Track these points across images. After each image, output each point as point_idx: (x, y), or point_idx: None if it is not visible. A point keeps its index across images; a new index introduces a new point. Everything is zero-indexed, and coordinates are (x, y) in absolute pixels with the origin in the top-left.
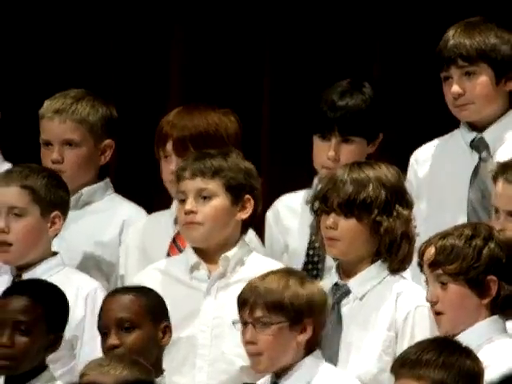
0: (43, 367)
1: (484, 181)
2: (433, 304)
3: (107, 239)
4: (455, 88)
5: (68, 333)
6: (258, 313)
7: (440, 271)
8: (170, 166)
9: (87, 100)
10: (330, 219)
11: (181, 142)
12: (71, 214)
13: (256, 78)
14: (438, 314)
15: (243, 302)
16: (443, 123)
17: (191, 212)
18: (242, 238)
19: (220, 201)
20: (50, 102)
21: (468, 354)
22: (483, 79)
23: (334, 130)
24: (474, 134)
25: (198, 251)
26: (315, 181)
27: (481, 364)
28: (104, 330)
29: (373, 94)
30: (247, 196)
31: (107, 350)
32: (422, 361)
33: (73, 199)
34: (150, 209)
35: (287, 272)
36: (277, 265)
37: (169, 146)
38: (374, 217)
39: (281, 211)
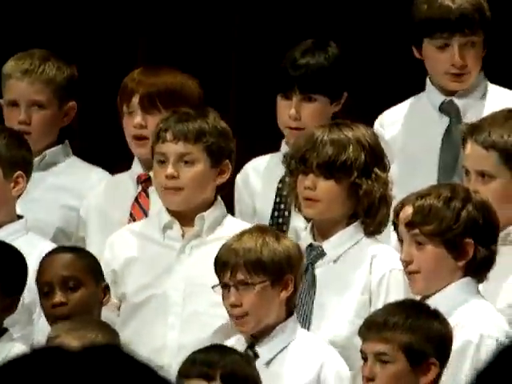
0: (2, 330)
1: (456, 143)
2: (407, 263)
3: (72, 203)
4: (457, 57)
5: (27, 297)
6: (240, 275)
7: (417, 231)
8: (134, 119)
9: (53, 61)
10: (309, 180)
11: (148, 97)
12: (35, 175)
13: (224, 46)
14: (411, 273)
15: (223, 265)
16: (407, 85)
17: (172, 177)
18: (218, 200)
19: (201, 166)
20: (15, 61)
21: (436, 316)
22: (480, 49)
23: (294, 88)
24: (442, 98)
25: (172, 211)
26: (283, 143)
27: (449, 326)
28: (46, 288)
29: (337, 53)
30: (226, 161)
31: (52, 307)
32: (389, 323)
33: (36, 160)
34: (111, 170)
35: (261, 230)
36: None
37: (134, 101)
38: (353, 179)
39: (249, 175)
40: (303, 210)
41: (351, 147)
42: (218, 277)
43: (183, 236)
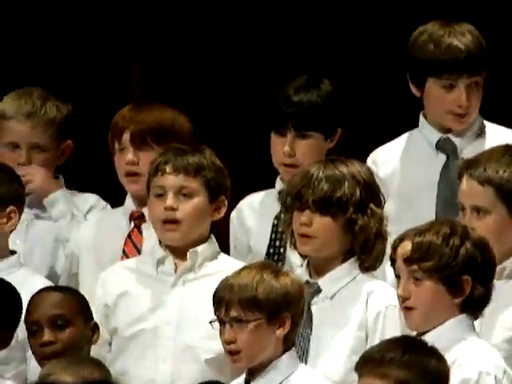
0: None
1: (453, 180)
2: (404, 299)
3: (76, 238)
4: (464, 98)
5: (21, 334)
6: (234, 312)
7: (415, 267)
8: (126, 156)
9: (52, 101)
10: (305, 216)
11: (139, 134)
12: (32, 212)
13: (217, 82)
14: (408, 309)
15: (219, 301)
16: (400, 121)
17: (172, 209)
18: (212, 236)
19: (199, 200)
20: (14, 101)
21: (433, 353)
22: (481, 89)
23: (288, 126)
24: (439, 135)
25: (166, 246)
26: (278, 180)
27: (446, 363)
28: (34, 326)
29: (331, 90)
30: (223, 197)
31: (41, 346)
32: (386, 359)
33: (33, 197)
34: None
35: (261, 266)
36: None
37: (125, 138)
38: (349, 215)
39: (244, 211)
40: (299, 247)
41: (346, 183)
42: (215, 312)
43: (176, 270)
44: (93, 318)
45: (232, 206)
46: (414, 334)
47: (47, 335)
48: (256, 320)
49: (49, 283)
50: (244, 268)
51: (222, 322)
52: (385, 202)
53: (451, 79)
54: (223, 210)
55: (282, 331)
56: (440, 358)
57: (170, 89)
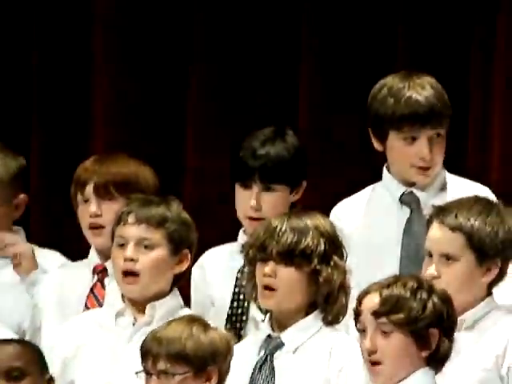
0: None
1: (417, 235)
2: (370, 353)
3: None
4: (426, 151)
5: None
6: (161, 365)
7: (384, 320)
8: (89, 208)
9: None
10: (269, 267)
11: (103, 185)
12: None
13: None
14: (374, 364)
15: (145, 353)
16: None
17: (131, 260)
18: (174, 291)
19: (160, 252)
20: None
21: None
22: (444, 141)
23: (255, 179)
24: (403, 188)
25: (127, 298)
26: (240, 233)
27: None
28: None
29: (296, 142)
30: (186, 250)
31: None
32: None
33: None
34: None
35: (190, 320)
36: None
37: (88, 190)
38: (313, 266)
39: (206, 266)
40: (261, 301)
41: (311, 234)
42: (141, 363)
43: (134, 324)
44: (48, 371)
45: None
46: None
47: None
48: (183, 373)
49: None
50: (172, 321)
51: (148, 374)
52: (347, 256)
53: (412, 132)
54: (186, 264)
55: None
56: None
57: (133, 139)
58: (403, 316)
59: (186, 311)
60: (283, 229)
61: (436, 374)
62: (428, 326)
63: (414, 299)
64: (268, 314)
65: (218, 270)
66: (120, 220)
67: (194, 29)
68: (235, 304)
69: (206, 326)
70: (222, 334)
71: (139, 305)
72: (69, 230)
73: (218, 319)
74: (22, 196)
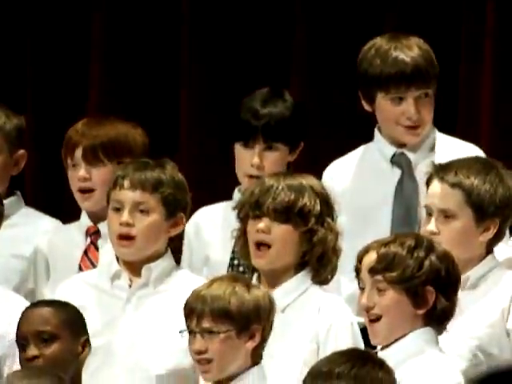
0: None
1: (408, 196)
2: (368, 309)
3: (27, 253)
4: (413, 110)
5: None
6: (205, 323)
7: (379, 277)
8: (78, 172)
9: (1, 109)
10: (263, 223)
11: (91, 150)
12: None
13: (172, 90)
14: (372, 321)
15: (189, 311)
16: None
17: (127, 224)
18: (168, 251)
19: (156, 216)
20: None
21: (381, 365)
22: (432, 101)
23: (258, 138)
24: (393, 149)
25: (122, 260)
26: (236, 192)
27: (393, 376)
28: (22, 341)
29: (294, 102)
30: (181, 213)
31: (26, 360)
32: (334, 373)
33: None
34: (64, 220)
35: (233, 278)
36: (203, 280)
37: (78, 154)
38: (310, 225)
39: (201, 224)
40: (253, 259)
41: (307, 194)
42: (186, 322)
43: (130, 286)
44: (85, 333)
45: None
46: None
47: (31, 350)
48: (227, 331)
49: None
50: (215, 280)
51: (192, 333)
52: (336, 217)
53: (399, 92)
54: (181, 226)
55: (252, 344)
56: (388, 370)
57: (127, 99)
58: (396, 274)
59: (181, 271)
60: (280, 187)
61: (439, 333)
62: (424, 283)
63: (410, 257)
64: (256, 274)
65: (213, 228)
66: (116, 184)
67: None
68: (236, 262)
69: (248, 284)
70: (264, 292)
71: (134, 267)
72: (64, 191)
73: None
74: (21, 151)
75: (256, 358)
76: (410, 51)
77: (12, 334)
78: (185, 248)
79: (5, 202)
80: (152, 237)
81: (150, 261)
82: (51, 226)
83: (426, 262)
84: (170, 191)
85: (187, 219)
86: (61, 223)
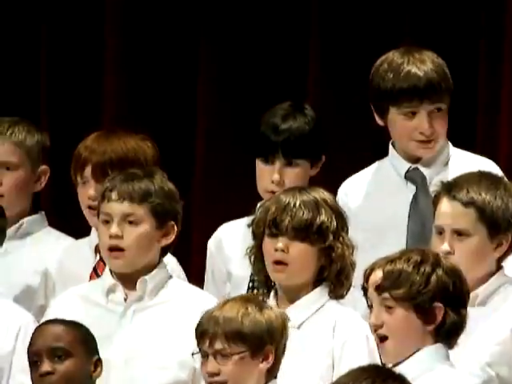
0: None
1: (423, 211)
2: (376, 328)
3: (47, 270)
4: (426, 125)
5: None
6: (218, 345)
7: (387, 295)
8: (88, 191)
9: (23, 124)
10: (282, 242)
11: (100, 167)
12: (11, 243)
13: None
14: (381, 339)
15: (202, 333)
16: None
17: (116, 236)
18: (162, 262)
19: (145, 227)
20: None
21: (401, 381)
22: (446, 115)
23: (277, 154)
24: (407, 165)
25: (116, 274)
26: (258, 206)
27: None
28: (35, 358)
29: (315, 116)
30: (171, 222)
31: (40, 376)
32: None
33: (13, 229)
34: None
35: (245, 299)
36: (197, 290)
37: (87, 171)
38: (329, 242)
39: (223, 240)
40: (272, 274)
41: (323, 210)
42: (198, 344)
43: (125, 299)
44: (97, 354)
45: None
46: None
47: (45, 366)
48: (240, 353)
49: (28, 314)
50: (228, 301)
51: (204, 355)
52: (348, 231)
53: (411, 107)
54: (172, 236)
55: (266, 364)
56: None
57: (143, 113)
58: (404, 291)
59: (175, 281)
60: (297, 204)
61: (450, 348)
62: (432, 299)
63: (416, 273)
64: (273, 290)
65: (235, 244)
66: (104, 196)
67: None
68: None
69: (261, 305)
70: (277, 312)
71: (129, 280)
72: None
73: (234, 294)
74: (44, 167)
75: (270, 378)
76: (422, 65)
77: (6, 347)
78: (207, 263)
79: (29, 218)
80: (143, 247)
81: (144, 273)
82: (66, 244)
83: (433, 278)
84: (158, 201)
85: (179, 228)
86: (76, 240)
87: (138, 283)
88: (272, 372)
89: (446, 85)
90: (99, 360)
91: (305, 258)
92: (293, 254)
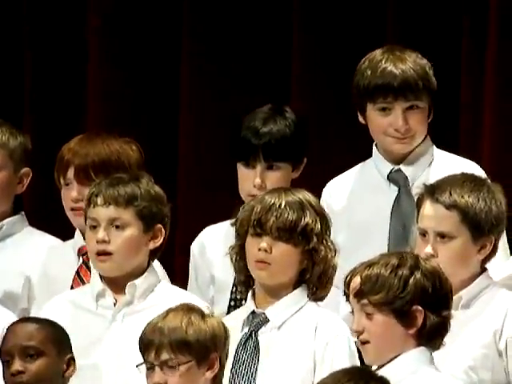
0: None
1: (405, 213)
2: (358, 334)
3: (29, 272)
4: (400, 122)
5: None
6: (165, 355)
7: (365, 301)
8: (71, 193)
9: (6, 127)
10: (265, 242)
11: (83, 170)
12: None
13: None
14: (363, 343)
15: (147, 345)
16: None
17: (103, 241)
18: (151, 266)
19: (132, 230)
20: None
21: (383, 383)
22: (425, 114)
23: (258, 157)
24: (390, 166)
25: (106, 279)
26: (241, 210)
27: None
28: (7, 357)
29: (295, 119)
30: (159, 225)
31: (11, 375)
32: None
33: None
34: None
35: (186, 309)
36: (186, 294)
37: (70, 174)
38: (313, 244)
39: (206, 243)
40: (254, 271)
41: (308, 212)
42: (143, 356)
43: (115, 304)
44: (70, 352)
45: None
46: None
47: (16, 365)
48: (187, 363)
49: (12, 315)
50: (169, 311)
51: (150, 366)
52: (330, 233)
53: (386, 103)
54: (160, 239)
55: (211, 373)
56: None
57: (130, 113)
58: (381, 296)
59: (164, 285)
60: (282, 205)
61: (436, 348)
62: (410, 303)
63: (393, 277)
64: (251, 291)
65: (218, 248)
66: (90, 202)
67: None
68: None
69: (203, 314)
70: (218, 320)
71: (118, 285)
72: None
73: (218, 297)
74: (25, 169)
75: None
76: (401, 64)
77: None
78: (191, 267)
79: (9, 220)
80: (131, 251)
81: (133, 277)
82: (50, 245)
83: (411, 281)
84: (144, 204)
85: (167, 231)
86: (61, 242)
87: (127, 287)
88: (217, 380)
89: (425, 84)
90: (72, 359)
91: (287, 258)
92: (276, 255)
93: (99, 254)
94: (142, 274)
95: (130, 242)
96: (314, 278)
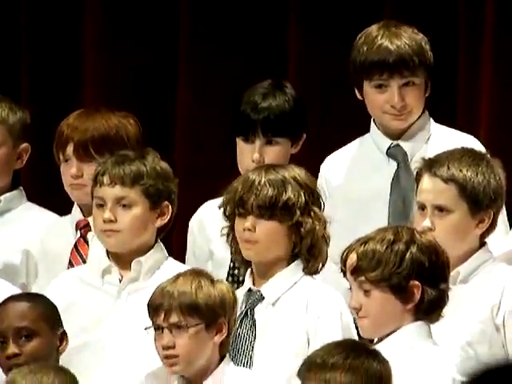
0: None
1: (404, 188)
2: (357, 311)
3: (28, 247)
4: (396, 98)
5: None
6: (174, 317)
7: (362, 278)
8: (70, 169)
9: (5, 102)
10: (249, 221)
11: (82, 146)
12: None
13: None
14: (360, 318)
15: (156, 308)
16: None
17: (110, 221)
18: (158, 243)
19: (139, 209)
20: None
21: (375, 356)
22: (421, 90)
23: (257, 132)
24: (389, 142)
25: (112, 255)
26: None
27: (388, 367)
28: (1, 338)
29: (294, 94)
30: (165, 203)
31: (7, 358)
32: (328, 364)
33: None
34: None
35: (196, 273)
36: None
37: (69, 150)
38: (296, 218)
39: (204, 219)
40: (243, 252)
41: (290, 187)
42: (151, 319)
43: (121, 280)
44: (61, 326)
45: (187, 207)
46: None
47: (11, 348)
48: (196, 325)
49: (17, 289)
50: (179, 275)
51: (159, 329)
52: (324, 206)
53: (382, 80)
54: (167, 216)
55: (219, 337)
56: (382, 361)
57: (123, 90)
58: (378, 273)
59: (170, 262)
60: (262, 182)
61: (433, 323)
62: (407, 278)
63: (389, 253)
64: (249, 269)
65: (217, 224)
66: (96, 181)
67: None
68: None
69: (212, 279)
70: (227, 285)
71: (125, 261)
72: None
73: (217, 273)
74: (24, 145)
75: (223, 350)
76: (396, 39)
77: None
78: (189, 242)
79: (7, 195)
80: (138, 229)
81: (140, 253)
82: (48, 220)
83: (407, 256)
84: (151, 182)
85: (174, 207)
86: (59, 217)
87: (132, 264)
88: (225, 345)
89: (421, 60)
90: (64, 333)
91: (272, 235)
92: (260, 233)
93: (106, 231)
94: (148, 251)
95: (137, 221)
96: (303, 251)
